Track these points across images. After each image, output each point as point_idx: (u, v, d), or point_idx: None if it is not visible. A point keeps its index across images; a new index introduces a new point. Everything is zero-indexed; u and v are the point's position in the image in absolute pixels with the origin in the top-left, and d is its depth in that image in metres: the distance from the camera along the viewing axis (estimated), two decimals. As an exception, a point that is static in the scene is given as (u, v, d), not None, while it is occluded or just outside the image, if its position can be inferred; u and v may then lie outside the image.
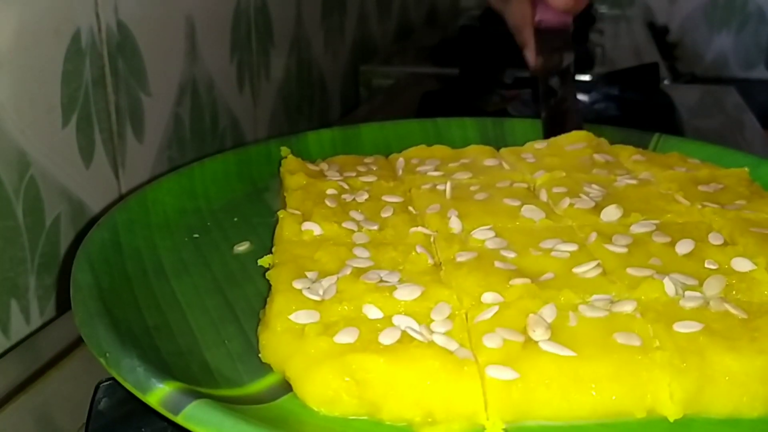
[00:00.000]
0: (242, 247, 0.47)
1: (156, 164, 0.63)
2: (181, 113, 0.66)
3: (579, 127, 0.58)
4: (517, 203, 0.46)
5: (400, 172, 0.54)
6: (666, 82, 1.04)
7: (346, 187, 0.50)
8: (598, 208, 0.46)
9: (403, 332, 0.34)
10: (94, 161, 0.56)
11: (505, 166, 0.54)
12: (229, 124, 0.74)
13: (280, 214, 0.46)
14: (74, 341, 0.48)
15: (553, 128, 0.60)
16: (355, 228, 0.44)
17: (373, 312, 0.36)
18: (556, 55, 0.63)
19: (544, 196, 0.48)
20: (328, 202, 0.47)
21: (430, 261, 0.41)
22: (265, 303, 0.39)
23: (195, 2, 0.66)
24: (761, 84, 1.38)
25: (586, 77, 0.95)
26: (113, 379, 0.36)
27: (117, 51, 0.57)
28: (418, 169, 0.53)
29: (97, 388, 0.37)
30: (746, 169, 0.52)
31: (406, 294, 0.37)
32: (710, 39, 1.51)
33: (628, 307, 0.36)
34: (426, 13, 1.37)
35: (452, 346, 0.34)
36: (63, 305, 0.55)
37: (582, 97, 0.92)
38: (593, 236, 0.42)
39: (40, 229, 0.52)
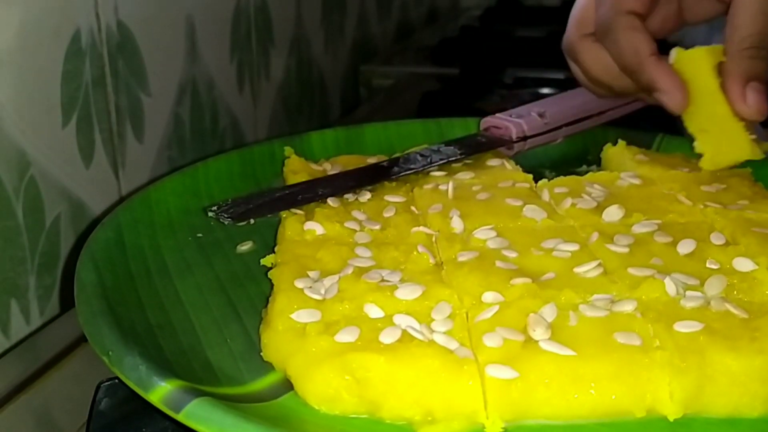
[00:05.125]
0: (245, 247, 0.47)
1: (156, 164, 0.63)
2: (181, 113, 0.66)
3: None
4: (519, 203, 0.46)
5: (403, 171, 0.54)
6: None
7: (349, 186, 0.50)
8: (599, 208, 0.46)
9: (404, 331, 0.34)
10: (94, 161, 0.56)
11: (508, 166, 0.54)
12: (229, 124, 0.74)
13: (283, 213, 0.46)
14: (74, 341, 0.48)
15: None
16: (357, 227, 0.44)
17: (374, 311, 0.36)
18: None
19: (546, 196, 0.48)
20: (330, 202, 0.47)
21: (432, 261, 0.41)
22: (267, 302, 0.39)
23: (195, 2, 0.66)
24: (761, 84, 1.37)
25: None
26: (114, 379, 0.36)
27: (117, 51, 0.57)
28: (421, 168, 0.53)
29: (98, 388, 0.37)
30: (749, 169, 0.52)
31: (407, 293, 0.37)
32: (710, 39, 1.51)
33: (628, 307, 0.36)
34: (426, 13, 1.36)
35: (452, 345, 0.34)
36: (64, 304, 0.55)
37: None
38: (595, 236, 0.42)
39: (40, 229, 0.52)
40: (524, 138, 0.56)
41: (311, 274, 0.39)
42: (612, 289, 0.38)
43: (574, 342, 0.33)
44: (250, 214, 0.48)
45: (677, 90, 0.50)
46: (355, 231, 0.44)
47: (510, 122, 0.56)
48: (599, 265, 0.39)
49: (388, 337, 0.34)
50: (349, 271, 0.39)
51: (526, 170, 0.52)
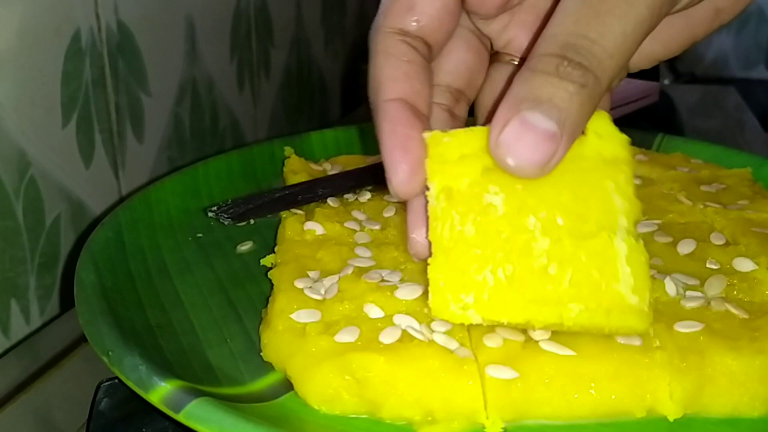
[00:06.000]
0: (245, 247, 0.47)
1: (156, 164, 0.63)
2: (181, 113, 0.66)
3: None
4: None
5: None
6: (666, 82, 1.04)
7: (349, 186, 0.50)
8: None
9: (404, 331, 0.34)
10: (94, 161, 0.56)
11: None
12: (229, 124, 0.74)
13: (283, 213, 0.46)
14: (74, 341, 0.48)
15: None
16: (357, 227, 0.44)
17: (374, 311, 0.36)
18: None
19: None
20: (330, 202, 0.47)
21: (432, 260, 0.41)
22: (267, 302, 0.39)
23: (195, 2, 0.66)
24: (761, 84, 1.37)
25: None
26: (114, 379, 0.36)
27: (117, 51, 0.57)
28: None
29: (98, 388, 0.37)
30: (749, 169, 0.52)
31: (407, 293, 0.37)
32: (710, 39, 1.51)
33: (628, 307, 0.36)
34: (426, 14, 1.37)
35: (452, 345, 0.34)
36: (64, 304, 0.55)
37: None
38: (594, 236, 0.42)
39: (40, 229, 0.52)
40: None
41: (311, 274, 0.39)
42: (612, 289, 0.38)
43: (574, 342, 0.33)
44: (250, 214, 0.48)
45: (399, 163, 0.33)
46: (355, 231, 0.44)
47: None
48: (599, 265, 0.39)
49: (388, 337, 0.34)
50: (349, 271, 0.39)
51: None
